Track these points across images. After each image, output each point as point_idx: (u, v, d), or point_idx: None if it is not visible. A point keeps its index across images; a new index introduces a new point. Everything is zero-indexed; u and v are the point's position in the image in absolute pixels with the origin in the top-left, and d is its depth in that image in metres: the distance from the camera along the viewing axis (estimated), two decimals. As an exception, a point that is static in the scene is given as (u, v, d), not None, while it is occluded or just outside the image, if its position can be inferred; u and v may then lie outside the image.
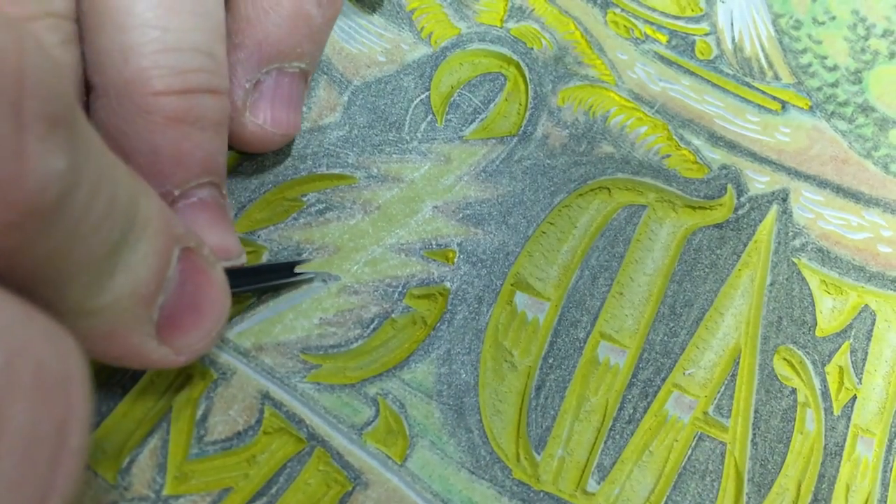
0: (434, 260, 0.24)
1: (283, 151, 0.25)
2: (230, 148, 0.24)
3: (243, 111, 0.23)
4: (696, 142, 0.28)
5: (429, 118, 0.26)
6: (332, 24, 0.24)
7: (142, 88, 0.20)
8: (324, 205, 0.24)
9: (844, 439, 0.25)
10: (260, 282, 0.23)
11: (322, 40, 0.24)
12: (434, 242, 0.25)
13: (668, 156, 0.27)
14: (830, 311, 0.26)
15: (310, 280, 0.24)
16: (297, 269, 0.24)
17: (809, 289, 0.27)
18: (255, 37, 0.23)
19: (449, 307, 0.24)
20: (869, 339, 0.26)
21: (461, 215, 0.25)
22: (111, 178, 0.16)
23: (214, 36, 0.22)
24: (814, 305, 0.26)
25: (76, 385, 0.15)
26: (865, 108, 0.30)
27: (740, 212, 0.27)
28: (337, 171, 0.25)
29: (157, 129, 0.21)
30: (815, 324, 0.26)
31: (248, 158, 0.25)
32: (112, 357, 0.19)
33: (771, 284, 0.26)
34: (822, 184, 0.29)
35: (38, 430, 0.14)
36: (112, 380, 0.22)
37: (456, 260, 0.25)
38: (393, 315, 0.24)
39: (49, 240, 0.15)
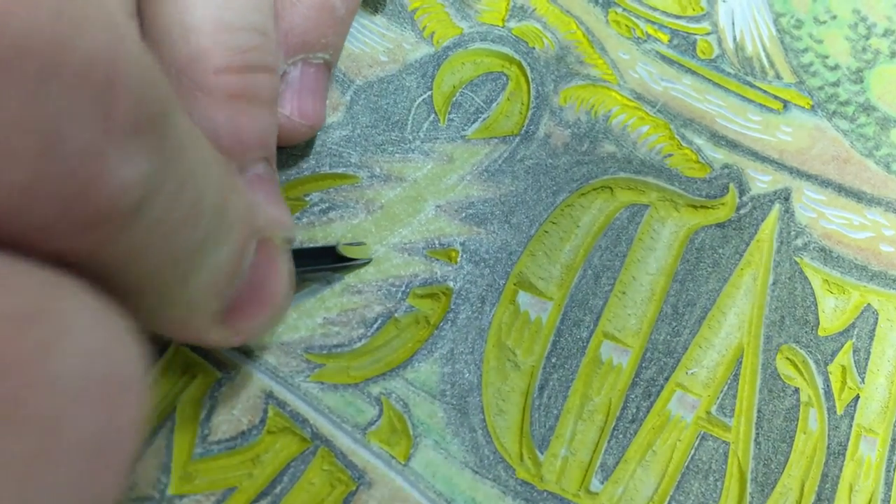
0: (437, 259, 0.24)
1: (285, 150, 0.25)
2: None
3: None
4: (698, 141, 0.28)
5: (431, 118, 0.26)
6: (354, 15, 0.25)
7: (203, 66, 0.21)
8: (327, 204, 0.24)
9: (847, 439, 0.25)
10: (315, 265, 0.24)
11: (344, 31, 0.25)
12: (437, 242, 0.25)
13: (670, 155, 0.27)
14: (833, 311, 0.26)
15: (364, 264, 0.24)
16: (346, 254, 0.24)
17: (812, 288, 0.27)
18: (282, 27, 0.23)
19: (452, 306, 0.24)
20: (871, 338, 0.26)
21: (464, 215, 0.25)
22: (201, 176, 0.16)
23: (268, 15, 0.22)
24: (816, 305, 0.26)
25: (138, 391, 0.15)
26: (867, 108, 0.30)
27: (742, 211, 0.27)
28: (340, 170, 0.25)
29: (218, 106, 0.21)
30: (818, 323, 0.26)
31: (250, 158, 0.25)
32: (167, 332, 0.20)
33: (773, 284, 0.26)
34: (824, 183, 0.29)
35: (102, 435, 0.14)
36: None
37: (459, 259, 0.25)
38: (396, 314, 0.24)
39: (128, 240, 0.15)
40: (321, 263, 0.24)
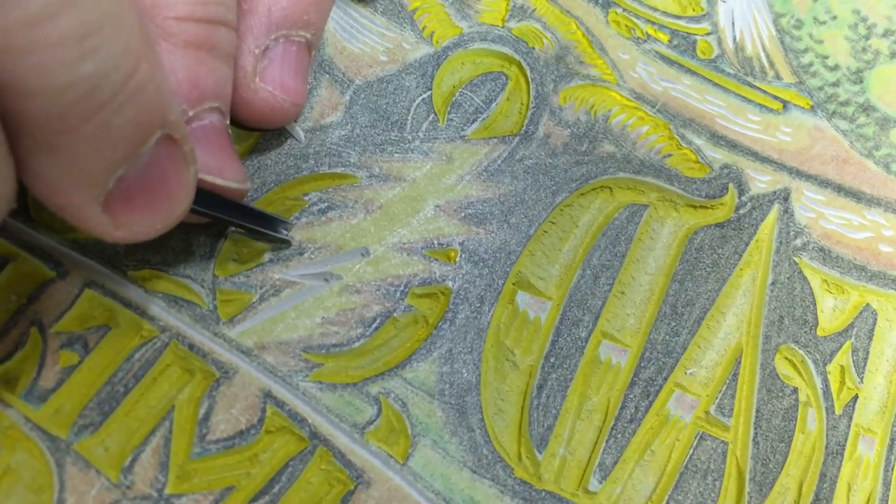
0: (436, 259, 0.24)
1: (284, 150, 0.25)
2: (242, 126, 0.24)
3: (253, 77, 0.24)
4: (698, 141, 0.28)
5: (430, 118, 0.26)
6: None
7: (165, 12, 0.22)
8: (326, 204, 0.24)
9: (846, 438, 0.25)
10: (238, 218, 0.24)
11: (326, 11, 0.25)
12: (436, 241, 0.25)
13: (670, 155, 0.27)
14: (832, 311, 0.26)
15: (285, 244, 0.24)
16: (283, 233, 0.24)
17: (811, 288, 0.27)
18: (265, 3, 0.24)
19: (451, 306, 0.24)
20: (870, 338, 0.26)
21: (463, 214, 0.25)
22: (112, 25, 0.17)
23: None
24: (815, 305, 0.26)
25: None
26: (867, 108, 0.30)
27: (741, 211, 0.27)
28: (339, 170, 0.25)
29: (177, 51, 0.22)
30: (817, 323, 0.26)
31: (249, 158, 0.25)
32: (55, 205, 0.20)
33: (772, 284, 0.26)
34: (824, 183, 0.29)
35: None
36: (114, 378, 0.22)
37: (458, 259, 0.25)
38: (395, 314, 0.24)
39: (27, 52, 0.16)
40: (249, 222, 0.24)
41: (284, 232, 0.24)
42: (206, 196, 0.23)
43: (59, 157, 0.19)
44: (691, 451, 0.24)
